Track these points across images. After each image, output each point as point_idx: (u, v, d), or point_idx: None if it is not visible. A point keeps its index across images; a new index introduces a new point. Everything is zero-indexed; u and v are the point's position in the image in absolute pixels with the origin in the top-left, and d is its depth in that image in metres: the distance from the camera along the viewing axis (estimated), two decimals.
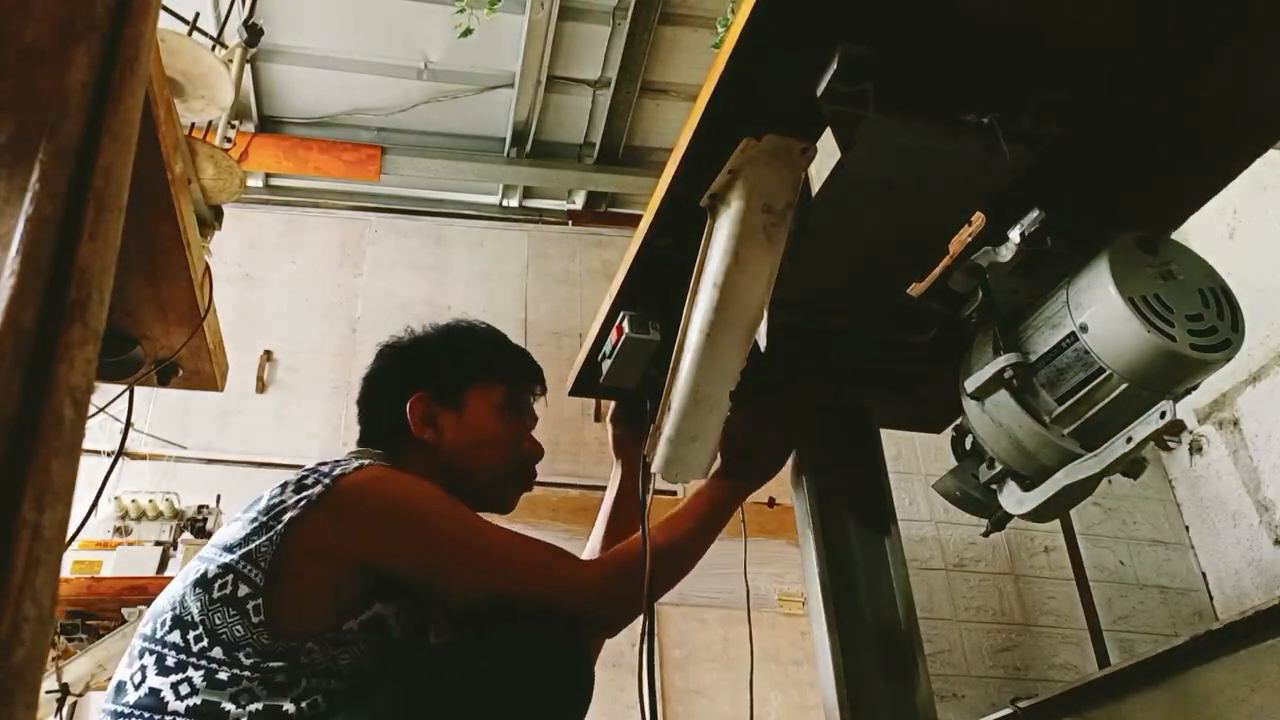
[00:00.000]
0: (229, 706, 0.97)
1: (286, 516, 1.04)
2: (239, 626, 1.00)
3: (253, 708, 0.98)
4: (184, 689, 0.98)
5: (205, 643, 1.00)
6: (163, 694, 0.99)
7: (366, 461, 1.14)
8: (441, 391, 1.27)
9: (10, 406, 0.30)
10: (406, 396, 1.26)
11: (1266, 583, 3.07)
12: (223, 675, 0.98)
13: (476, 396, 1.29)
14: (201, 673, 0.99)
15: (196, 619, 1.01)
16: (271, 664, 1.00)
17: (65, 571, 2.08)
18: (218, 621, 1.00)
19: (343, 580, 1.05)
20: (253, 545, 1.03)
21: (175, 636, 1.02)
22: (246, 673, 0.98)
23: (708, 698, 3.15)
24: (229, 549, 1.05)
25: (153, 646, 1.03)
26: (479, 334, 1.37)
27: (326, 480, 1.07)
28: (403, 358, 1.33)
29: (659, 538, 1.20)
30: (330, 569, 1.05)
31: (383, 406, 1.30)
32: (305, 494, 1.06)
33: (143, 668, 1.02)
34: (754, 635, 3.03)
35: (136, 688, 1.01)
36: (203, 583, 1.03)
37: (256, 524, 1.05)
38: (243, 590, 1.01)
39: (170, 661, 1.01)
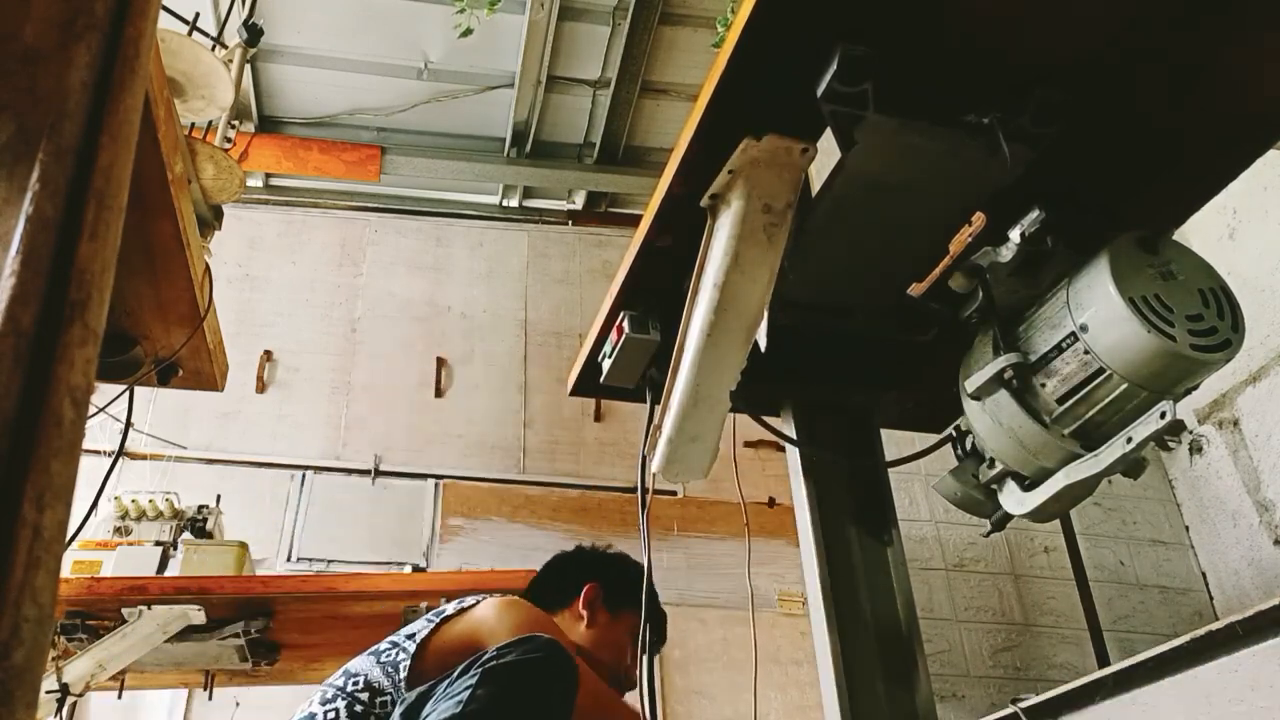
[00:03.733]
0: None
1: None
2: (387, 680, 1.29)
3: None
4: None
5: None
6: None
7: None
8: (611, 595, 1.55)
9: (10, 406, 0.30)
10: (585, 579, 1.55)
11: (1266, 583, 3.07)
12: (359, 710, 1.26)
13: (626, 615, 1.54)
14: None
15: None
16: None
17: (65, 571, 2.07)
18: (376, 673, 1.30)
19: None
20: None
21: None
22: (376, 712, 1.26)
23: (708, 698, 3.15)
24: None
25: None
26: (645, 579, 1.63)
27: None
28: (598, 558, 1.62)
29: None
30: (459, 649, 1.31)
31: (563, 576, 1.59)
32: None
33: None
34: (754, 635, 3.03)
35: None
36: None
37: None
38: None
39: None
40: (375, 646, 1.36)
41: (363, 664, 1.33)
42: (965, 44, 1.04)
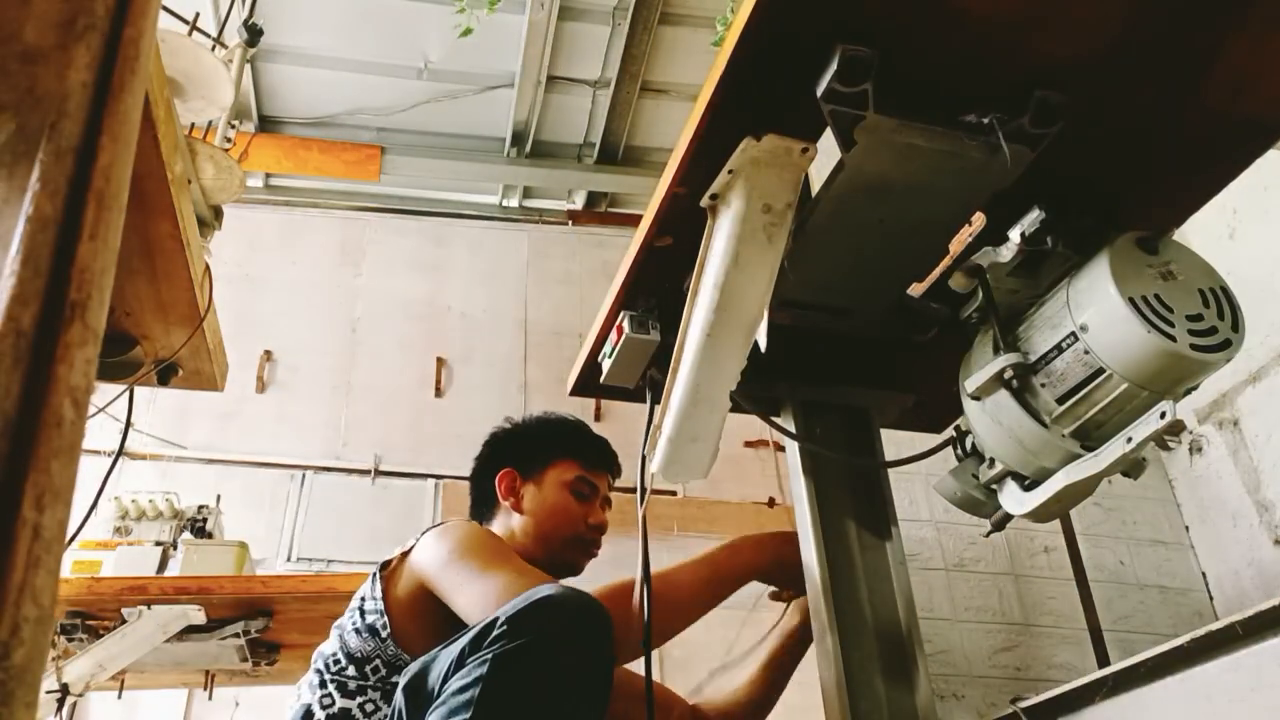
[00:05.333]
0: (357, 714, 1.23)
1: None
2: (370, 644, 1.26)
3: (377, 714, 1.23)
4: (326, 701, 1.24)
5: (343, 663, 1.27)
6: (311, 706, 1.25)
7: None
8: (527, 467, 1.49)
9: (10, 406, 0.30)
10: (498, 472, 1.49)
11: (1266, 583, 3.07)
12: (353, 686, 1.24)
13: (554, 473, 1.48)
14: (336, 686, 1.25)
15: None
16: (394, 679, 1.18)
17: (65, 571, 2.07)
18: (353, 644, 1.27)
19: (430, 605, 1.26)
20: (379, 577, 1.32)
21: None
22: (370, 682, 1.24)
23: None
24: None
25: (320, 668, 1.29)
26: (567, 422, 1.58)
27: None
28: (501, 441, 1.56)
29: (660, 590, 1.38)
30: (419, 594, 1.28)
31: (481, 481, 1.53)
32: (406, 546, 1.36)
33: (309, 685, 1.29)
34: (753, 635, 3.03)
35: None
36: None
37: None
38: (370, 616, 1.29)
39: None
40: (337, 623, 1.33)
41: (332, 645, 1.29)
42: (965, 44, 1.04)
